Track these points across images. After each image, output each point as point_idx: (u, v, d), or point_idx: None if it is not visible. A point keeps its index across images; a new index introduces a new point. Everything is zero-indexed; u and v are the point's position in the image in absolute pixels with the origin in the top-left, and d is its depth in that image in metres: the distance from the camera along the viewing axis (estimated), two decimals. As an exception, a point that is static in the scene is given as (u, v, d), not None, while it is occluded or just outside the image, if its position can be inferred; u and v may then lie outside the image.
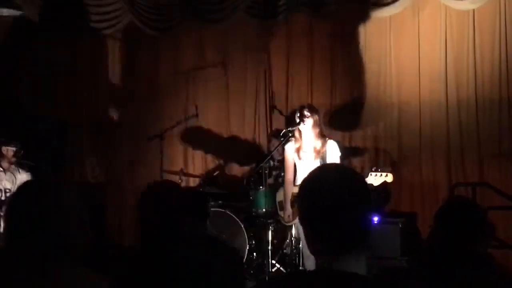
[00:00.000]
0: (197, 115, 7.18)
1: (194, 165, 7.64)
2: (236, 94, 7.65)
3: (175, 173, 6.76)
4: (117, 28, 7.54)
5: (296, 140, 5.30)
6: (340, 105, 7.29)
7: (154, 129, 7.17)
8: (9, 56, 7.60)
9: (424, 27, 6.94)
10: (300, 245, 5.64)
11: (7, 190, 6.01)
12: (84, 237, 1.91)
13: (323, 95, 7.33)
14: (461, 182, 6.64)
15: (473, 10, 6.70)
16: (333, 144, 5.26)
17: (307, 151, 5.25)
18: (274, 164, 6.61)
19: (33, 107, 7.64)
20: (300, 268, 5.60)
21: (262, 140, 7.53)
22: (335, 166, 2.17)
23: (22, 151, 6.10)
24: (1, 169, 6.07)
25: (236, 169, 7.56)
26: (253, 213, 6.36)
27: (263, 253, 6.13)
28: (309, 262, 4.96)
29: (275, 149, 6.24)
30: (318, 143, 5.21)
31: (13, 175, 6.09)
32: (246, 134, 7.61)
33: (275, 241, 6.17)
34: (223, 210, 6.28)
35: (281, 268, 6.07)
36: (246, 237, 6.12)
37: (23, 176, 6.07)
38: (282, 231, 6.22)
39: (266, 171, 6.11)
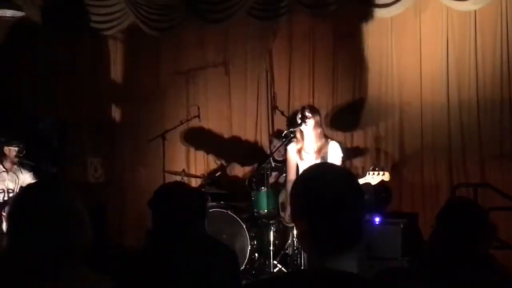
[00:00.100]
0: (199, 116, 7.18)
1: (196, 165, 7.64)
2: (237, 94, 7.66)
3: (177, 173, 6.74)
4: (118, 29, 7.53)
5: (297, 141, 5.29)
6: (341, 105, 7.29)
7: (155, 129, 7.18)
8: (9, 56, 7.60)
9: (426, 28, 6.94)
10: (302, 246, 5.64)
11: (10, 190, 5.97)
12: (84, 237, 1.91)
13: (324, 95, 7.34)
14: (463, 183, 6.63)
15: (475, 11, 6.69)
16: (335, 145, 5.25)
17: (309, 151, 5.24)
18: (275, 165, 6.61)
19: (33, 107, 7.65)
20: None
21: (264, 141, 7.53)
22: (331, 165, 2.21)
23: (24, 151, 6.06)
24: (4, 169, 6.02)
25: (238, 170, 7.57)
26: (255, 214, 6.35)
27: (265, 254, 6.13)
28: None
29: (276, 149, 6.23)
30: (319, 144, 5.20)
31: (16, 175, 6.05)
32: (247, 134, 7.61)
33: (277, 242, 6.14)
34: (225, 211, 6.27)
35: (282, 268, 6.06)
36: (248, 237, 6.11)
37: (25, 176, 6.05)
38: (284, 231, 6.21)
39: (268, 172, 6.10)
